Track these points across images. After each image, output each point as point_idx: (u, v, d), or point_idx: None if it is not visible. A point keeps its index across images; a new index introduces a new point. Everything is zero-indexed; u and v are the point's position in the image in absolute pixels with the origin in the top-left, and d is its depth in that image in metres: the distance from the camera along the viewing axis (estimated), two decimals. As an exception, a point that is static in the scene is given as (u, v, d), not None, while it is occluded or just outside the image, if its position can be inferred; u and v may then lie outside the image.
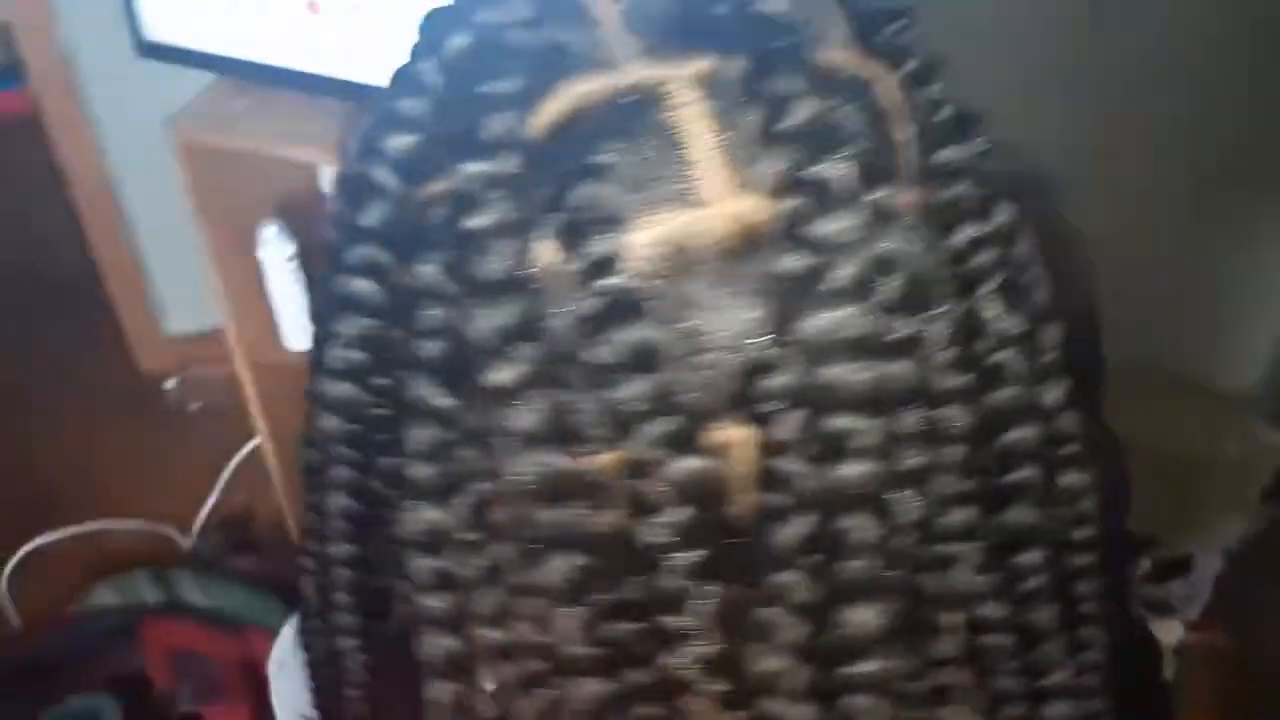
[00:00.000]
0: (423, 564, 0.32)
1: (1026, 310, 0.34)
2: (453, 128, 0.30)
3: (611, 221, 0.29)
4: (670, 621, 0.30)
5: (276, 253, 1.38)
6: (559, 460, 0.30)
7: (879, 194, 0.30)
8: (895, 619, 0.31)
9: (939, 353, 0.31)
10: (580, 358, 0.29)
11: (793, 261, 0.29)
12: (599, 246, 0.29)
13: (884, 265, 0.29)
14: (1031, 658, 0.35)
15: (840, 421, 0.29)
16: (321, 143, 1.20)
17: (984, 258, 0.33)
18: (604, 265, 0.29)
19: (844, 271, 0.29)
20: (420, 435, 0.31)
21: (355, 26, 1.16)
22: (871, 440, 0.29)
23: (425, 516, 0.32)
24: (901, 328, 0.30)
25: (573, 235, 0.29)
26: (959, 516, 0.32)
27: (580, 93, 0.30)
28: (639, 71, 0.30)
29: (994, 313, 0.33)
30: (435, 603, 0.33)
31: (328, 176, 1.37)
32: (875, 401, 0.29)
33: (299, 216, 1.39)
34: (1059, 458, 0.35)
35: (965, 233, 0.33)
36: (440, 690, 0.34)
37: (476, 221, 0.29)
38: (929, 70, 0.33)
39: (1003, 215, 0.34)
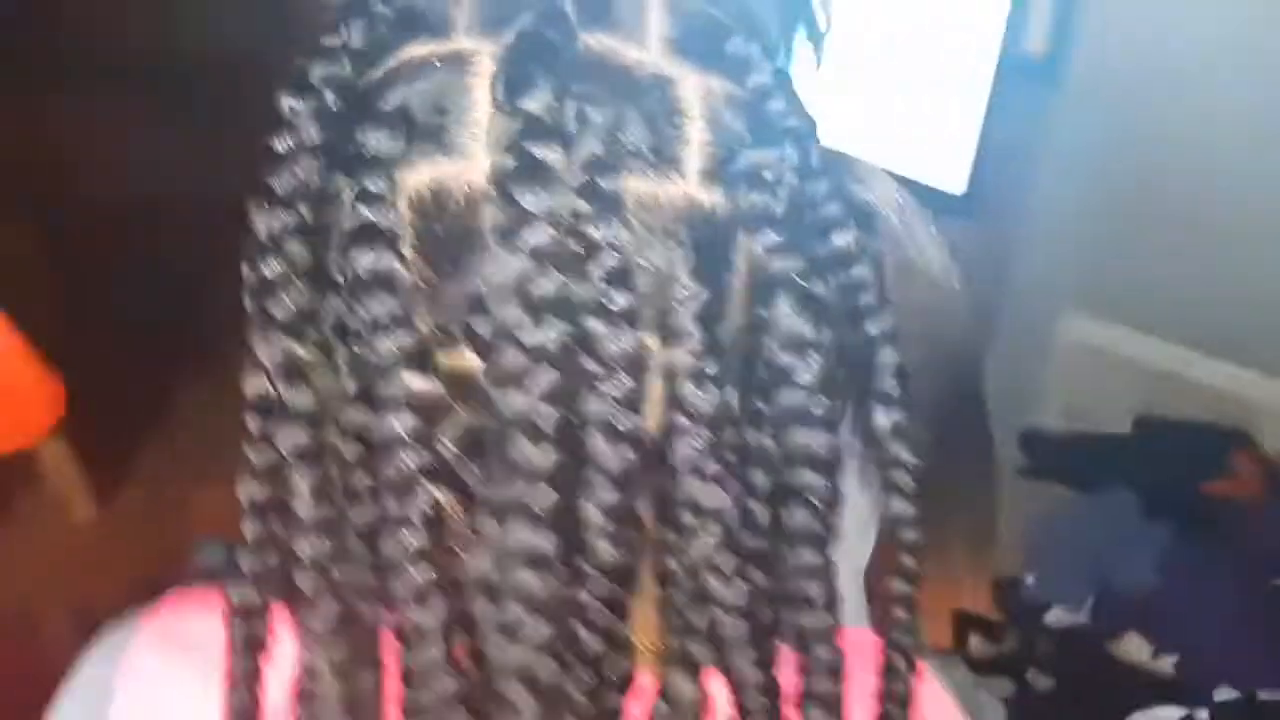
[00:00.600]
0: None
1: (829, 323, 0.37)
2: (302, 66, 0.36)
3: (387, 161, 0.34)
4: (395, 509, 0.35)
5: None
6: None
7: (603, 177, 0.33)
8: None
9: (677, 333, 0.35)
10: (342, 270, 0.34)
11: (494, 216, 0.33)
12: (372, 179, 0.34)
13: (590, 243, 0.33)
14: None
15: (525, 360, 0.33)
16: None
17: (781, 264, 0.36)
18: (371, 197, 0.34)
19: (537, 237, 0.32)
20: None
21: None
22: (551, 382, 0.33)
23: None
24: (599, 298, 0.33)
25: (354, 166, 0.34)
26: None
27: (410, 53, 0.35)
28: (463, 42, 0.34)
29: (786, 319, 0.36)
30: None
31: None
32: (562, 352, 0.33)
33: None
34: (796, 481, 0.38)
35: (766, 238, 0.36)
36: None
37: (288, 143, 0.35)
38: (760, 83, 0.36)
39: (839, 239, 0.38)
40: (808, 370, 0.37)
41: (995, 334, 1.83)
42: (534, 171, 0.32)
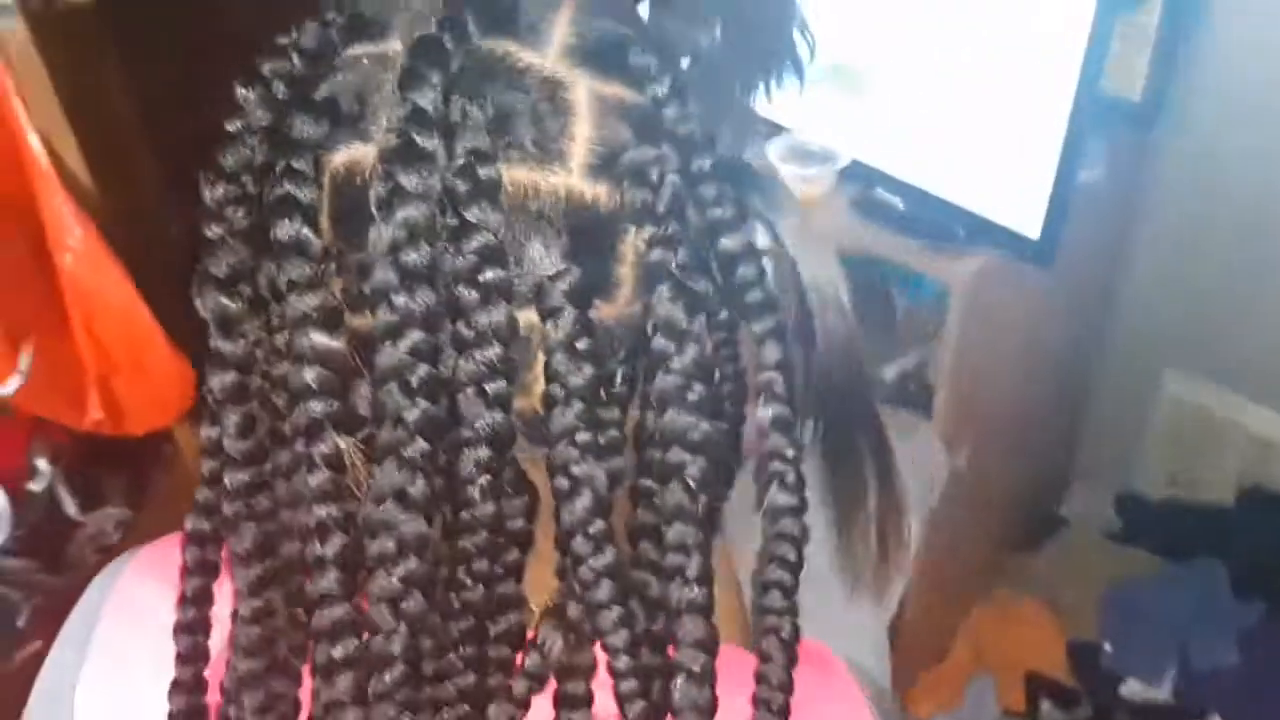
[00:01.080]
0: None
1: (703, 313, 0.40)
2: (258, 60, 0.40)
3: (312, 143, 0.38)
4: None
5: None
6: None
7: (481, 165, 0.36)
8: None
9: (551, 310, 0.38)
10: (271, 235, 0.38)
11: (377, 192, 0.36)
12: (297, 158, 0.38)
13: (463, 222, 0.36)
14: None
15: (395, 320, 0.36)
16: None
17: (660, 256, 0.38)
18: (295, 173, 0.38)
19: (409, 212, 0.35)
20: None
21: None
22: (419, 341, 0.36)
23: None
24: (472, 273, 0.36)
25: (285, 146, 0.38)
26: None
27: (349, 54, 0.39)
28: (392, 45, 0.38)
29: (663, 307, 0.38)
30: None
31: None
32: (429, 316, 0.36)
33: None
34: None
35: (646, 230, 0.39)
36: None
37: (237, 124, 0.40)
38: (655, 93, 0.39)
39: (728, 241, 0.40)
40: (682, 356, 0.39)
41: (1092, 389, 1.78)
42: (412, 155, 0.35)
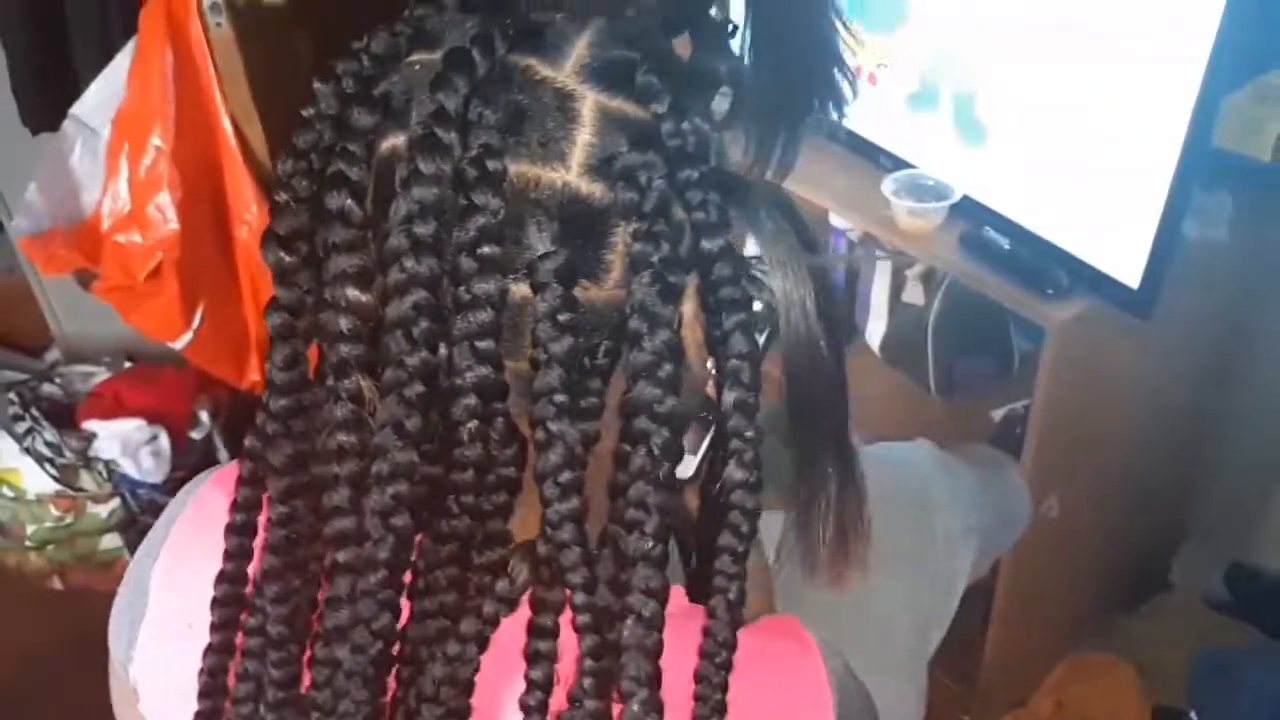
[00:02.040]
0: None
1: (677, 302, 0.45)
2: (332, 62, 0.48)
3: (364, 130, 0.46)
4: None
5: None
6: None
7: (490, 158, 0.43)
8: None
9: (540, 284, 0.44)
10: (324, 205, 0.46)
11: (401, 173, 0.44)
12: (353, 142, 0.46)
13: (470, 204, 0.43)
14: None
15: (403, 279, 0.43)
16: (833, 191, 1.45)
17: (643, 249, 0.45)
18: (349, 155, 0.46)
19: (423, 192, 0.43)
20: None
21: (892, 103, 1.39)
22: (421, 299, 0.43)
23: None
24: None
25: (345, 131, 0.47)
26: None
27: (411, 59, 0.47)
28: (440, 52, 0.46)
29: (641, 293, 0.45)
30: None
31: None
32: (431, 279, 0.43)
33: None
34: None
35: (632, 225, 0.45)
36: None
37: (310, 110, 0.47)
38: (656, 110, 0.46)
39: (707, 242, 0.46)
40: (653, 338, 0.45)
41: (1215, 457, 1.72)
42: (431, 145, 0.43)
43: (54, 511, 1.94)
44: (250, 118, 1.75)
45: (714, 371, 0.53)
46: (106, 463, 2.01)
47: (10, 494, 1.94)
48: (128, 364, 2.16)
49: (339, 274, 0.45)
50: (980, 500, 1.13)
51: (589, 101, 0.45)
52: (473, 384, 0.45)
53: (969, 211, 1.33)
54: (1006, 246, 1.29)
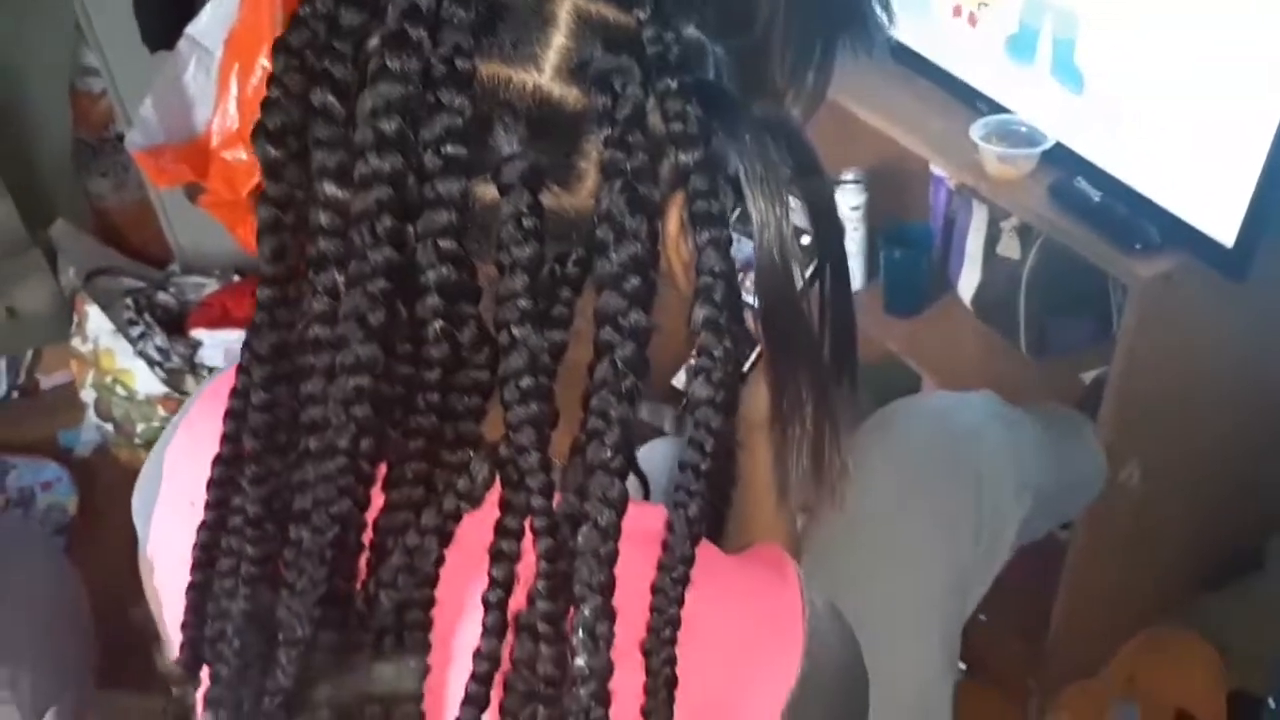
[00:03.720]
0: None
1: (646, 213, 0.45)
2: None
3: (352, 32, 0.46)
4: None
5: (848, 198, 1.71)
6: None
7: (459, 58, 0.43)
8: None
9: (505, 187, 0.44)
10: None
11: (371, 67, 0.44)
12: (340, 41, 0.46)
13: (437, 101, 0.43)
14: None
15: (369, 173, 0.44)
16: (926, 136, 1.42)
17: (613, 156, 0.45)
18: (334, 54, 0.46)
19: (389, 89, 0.43)
20: None
21: (991, 46, 1.35)
22: (386, 196, 0.44)
23: None
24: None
25: (330, 31, 0.46)
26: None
27: None
28: None
29: (609, 201, 0.45)
30: None
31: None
32: (395, 175, 0.44)
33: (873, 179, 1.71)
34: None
35: (604, 132, 0.45)
36: None
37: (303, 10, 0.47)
38: (639, 15, 0.45)
39: (683, 155, 0.45)
40: (620, 249, 0.45)
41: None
42: (401, 42, 0.43)
43: (161, 412, 2.05)
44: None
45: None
46: (210, 369, 2.11)
47: (123, 393, 2.06)
48: (236, 278, 2.25)
49: (320, 169, 0.46)
50: (1042, 458, 1.09)
51: (566, 4, 0.45)
52: (435, 283, 0.45)
53: (1061, 160, 1.27)
54: (1097, 198, 1.23)
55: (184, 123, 1.86)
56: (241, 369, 0.54)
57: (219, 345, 2.12)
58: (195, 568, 0.56)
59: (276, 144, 0.48)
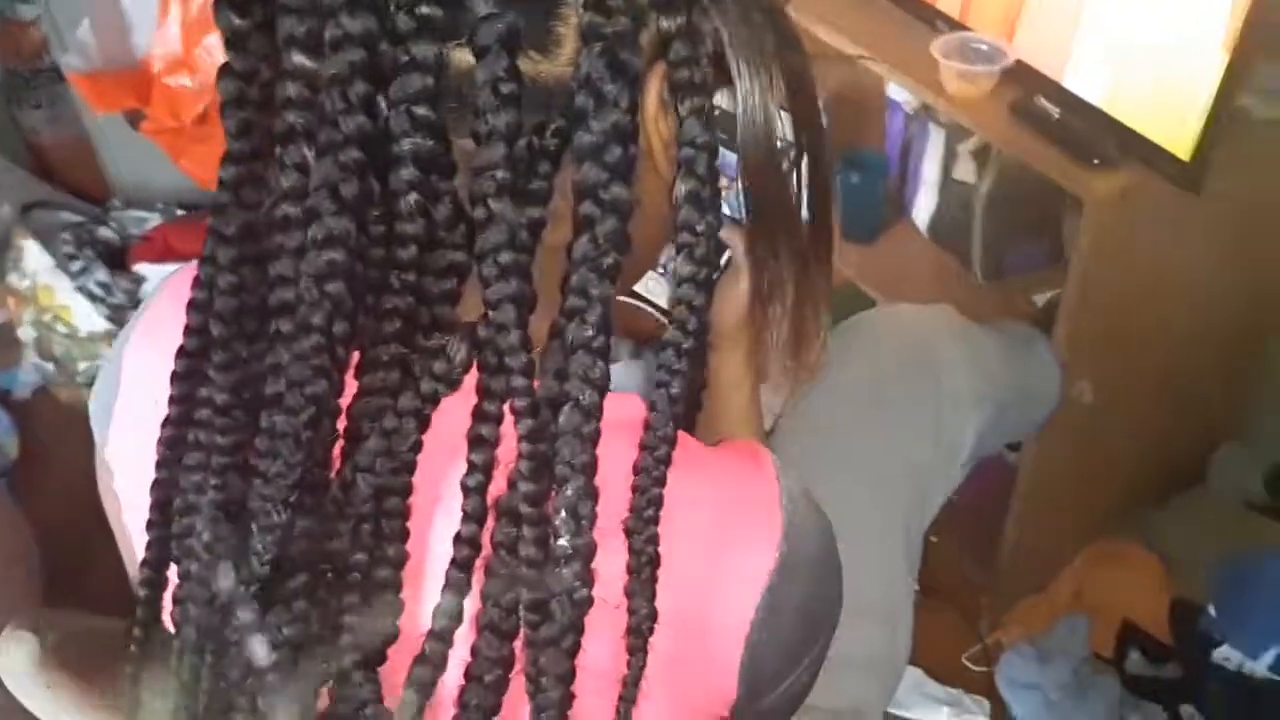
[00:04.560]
0: None
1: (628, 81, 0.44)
2: None
3: None
4: None
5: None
6: None
7: None
8: None
9: (481, 50, 0.43)
10: None
11: None
12: None
13: None
14: None
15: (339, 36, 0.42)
16: (883, 53, 1.39)
17: (592, 19, 0.44)
18: None
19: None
20: None
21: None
22: (358, 59, 0.43)
23: None
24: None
25: None
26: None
27: None
28: None
29: (589, 65, 0.44)
30: None
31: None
32: (367, 36, 0.43)
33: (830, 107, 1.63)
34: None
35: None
36: None
37: None
38: None
39: (666, 20, 0.46)
40: (600, 117, 0.44)
41: (1265, 353, 1.67)
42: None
43: (104, 350, 2.00)
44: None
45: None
46: (157, 305, 2.06)
47: (64, 330, 2.01)
48: (180, 212, 2.19)
49: (287, 37, 0.44)
50: (999, 370, 1.11)
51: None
52: (410, 152, 0.44)
53: (1021, 77, 1.27)
54: (1057, 115, 1.23)
55: (124, 47, 1.80)
56: (205, 257, 0.52)
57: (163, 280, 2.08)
58: (160, 464, 0.55)
59: (240, 12, 0.46)
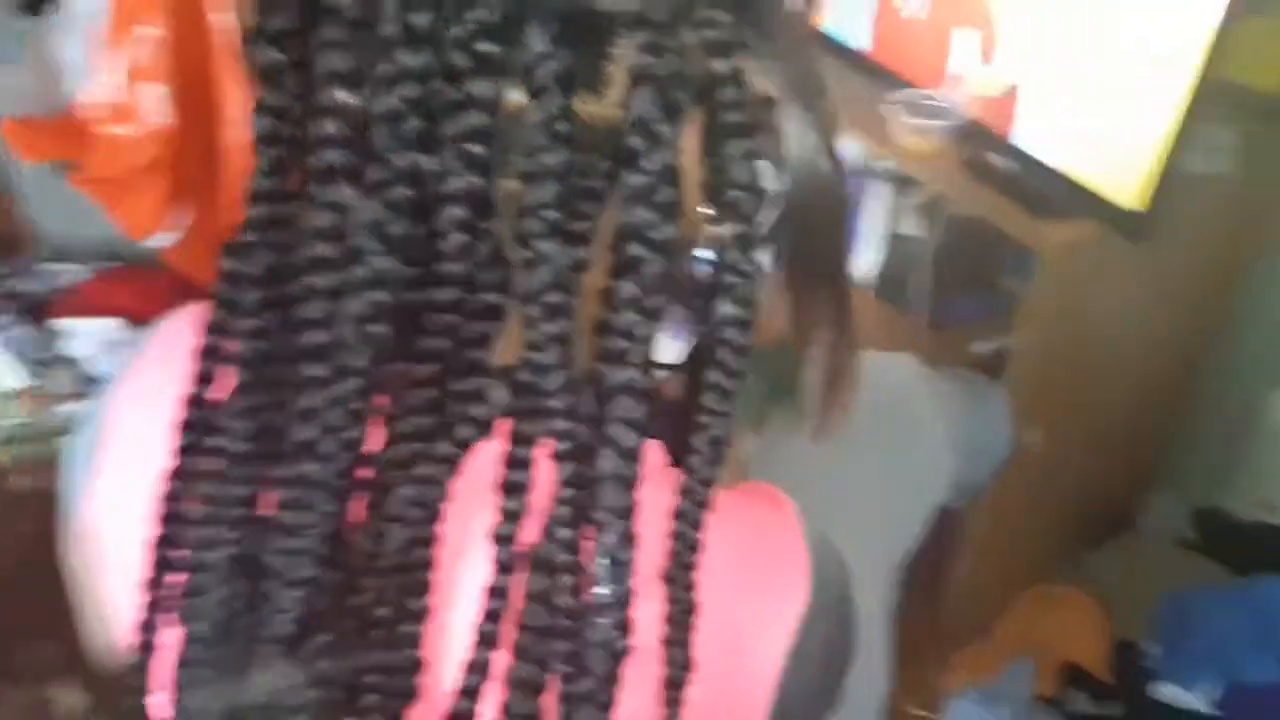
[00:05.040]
0: None
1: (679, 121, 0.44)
2: None
3: None
4: None
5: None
6: None
7: None
8: None
9: (539, 89, 0.43)
10: None
11: None
12: None
13: None
14: None
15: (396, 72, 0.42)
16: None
17: (645, 59, 0.43)
18: None
19: None
20: None
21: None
22: (413, 93, 0.42)
23: None
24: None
25: None
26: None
27: None
28: None
29: (640, 107, 0.43)
30: None
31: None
32: (424, 72, 0.42)
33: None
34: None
35: (636, 36, 0.43)
36: None
37: None
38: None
39: (717, 64, 0.45)
40: (650, 157, 0.43)
41: (1193, 399, 1.74)
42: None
43: (21, 409, 1.92)
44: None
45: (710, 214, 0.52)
46: (79, 362, 1.99)
47: (-17, 387, 1.92)
48: (108, 265, 2.13)
49: (327, 73, 0.44)
50: (963, 420, 1.13)
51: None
52: (462, 192, 0.43)
53: (972, 134, 1.32)
54: (1008, 170, 1.28)
55: (57, 93, 1.75)
56: (220, 301, 0.51)
57: (89, 336, 2.01)
58: (160, 520, 0.52)
59: (278, 47, 0.46)
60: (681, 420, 0.62)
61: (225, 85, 1.77)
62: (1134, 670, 1.56)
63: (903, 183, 1.60)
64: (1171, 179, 1.13)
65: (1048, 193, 1.23)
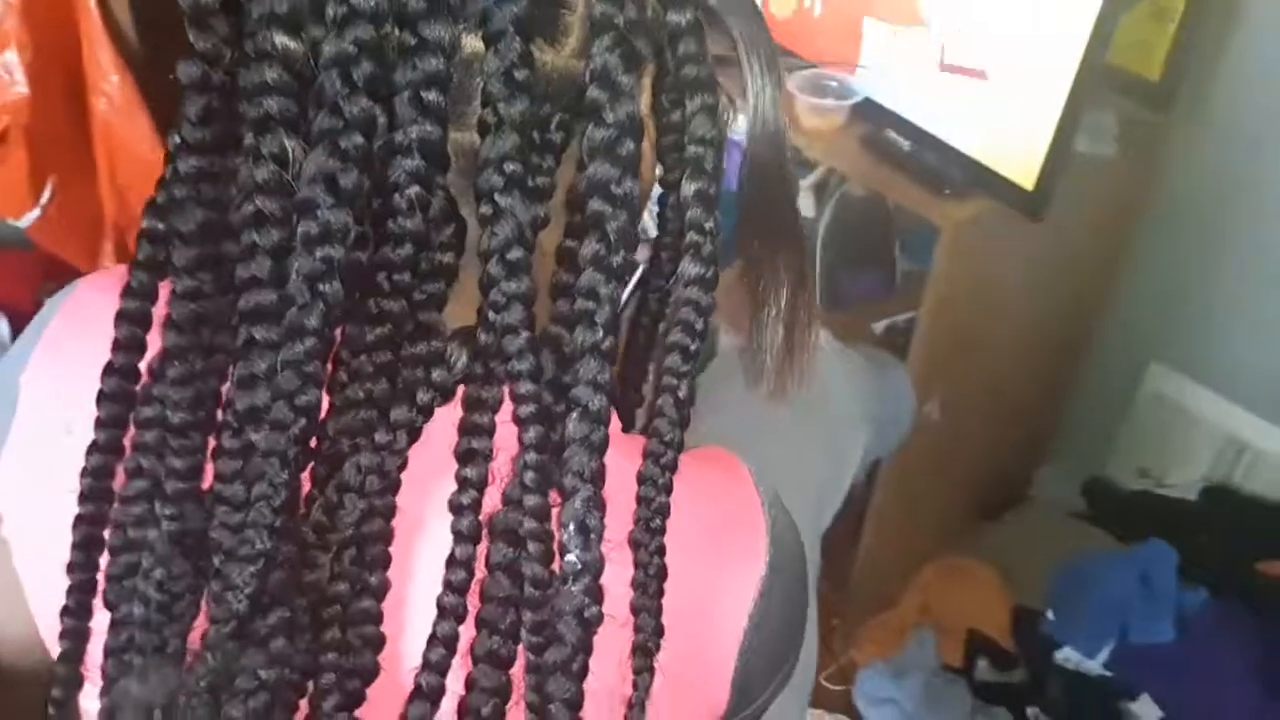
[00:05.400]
0: None
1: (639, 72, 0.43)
2: None
3: None
4: None
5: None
6: None
7: None
8: None
9: (496, 35, 0.41)
10: None
11: None
12: None
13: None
14: None
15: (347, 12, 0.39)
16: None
17: (604, 9, 0.42)
18: None
19: None
20: None
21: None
22: (366, 36, 0.40)
23: None
24: None
25: None
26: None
27: None
28: None
29: (601, 57, 0.42)
30: None
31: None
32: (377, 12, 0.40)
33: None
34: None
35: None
36: None
37: None
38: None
39: (675, 15, 0.44)
40: (614, 109, 0.42)
41: (1081, 374, 1.81)
42: None
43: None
44: (115, -15, 1.61)
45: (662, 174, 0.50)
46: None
47: None
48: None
49: (265, 16, 0.40)
50: (871, 393, 1.15)
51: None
52: (417, 141, 0.41)
53: (871, 113, 1.34)
54: (907, 148, 1.30)
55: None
56: (140, 263, 0.47)
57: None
58: (85, 498, 0.48)
59: None
60: (623, 382, 0.61)
61: (89, 53, 1.66)
62: (1034, 637, 1.61)
63: (797, 163, 1.62)
64: (1060, 159, 1.16)
65: (946, 171, 1.26)
